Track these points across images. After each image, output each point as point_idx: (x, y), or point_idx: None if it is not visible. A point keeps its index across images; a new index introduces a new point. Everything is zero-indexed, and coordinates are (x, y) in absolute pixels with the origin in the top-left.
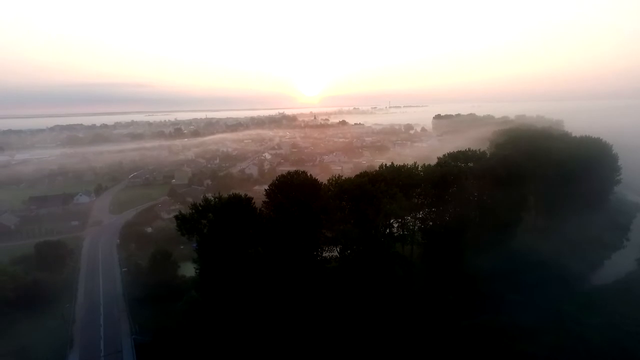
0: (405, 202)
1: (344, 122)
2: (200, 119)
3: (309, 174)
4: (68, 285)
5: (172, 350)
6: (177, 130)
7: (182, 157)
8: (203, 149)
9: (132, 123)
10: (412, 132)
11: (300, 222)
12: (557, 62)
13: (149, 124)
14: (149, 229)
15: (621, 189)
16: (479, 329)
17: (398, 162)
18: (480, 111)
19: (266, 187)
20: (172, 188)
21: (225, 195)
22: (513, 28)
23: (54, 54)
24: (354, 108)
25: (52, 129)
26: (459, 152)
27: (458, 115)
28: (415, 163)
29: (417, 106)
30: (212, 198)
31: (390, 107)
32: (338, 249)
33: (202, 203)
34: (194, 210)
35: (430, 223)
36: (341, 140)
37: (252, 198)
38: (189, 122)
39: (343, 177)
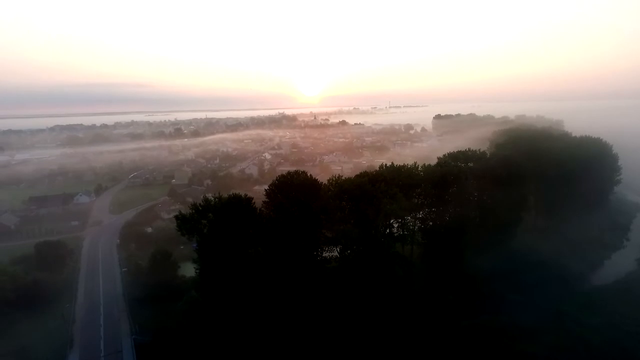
0: (405, 202)
1: (344, 122)
2: (200, 119)
3: (309, 174)
4: (68, 285)
5: (172, 350)
6: (177, 130)
7: (182, 157)
8: (203, 149)
9: (132, 123)
10: (412, 132)
11: (300, 222)
12: (557, 62)
13: (149, 124)
14: (149, 229)
15: (621, 189)
16: (479, 329)
17: (398, 162)
18: (480, 111)
19: (266, 187)
20: (172, 188)
21: (225, 195)
22: (513, 28)
23: (54, 54)
24: (354, 108)
25: (52, 129)
26: (459, 152)
27: (458, 115)
28: (415, 163)
29: (417, 106)
30: (212, 198)
31: (390, 107)
32: (338, 249)
33: (202, 203)
34: (194, 210)
35: (430, 223)
36: (341, 140)
37: (252, 198)
38: (189, 122)
39: (343, 177)
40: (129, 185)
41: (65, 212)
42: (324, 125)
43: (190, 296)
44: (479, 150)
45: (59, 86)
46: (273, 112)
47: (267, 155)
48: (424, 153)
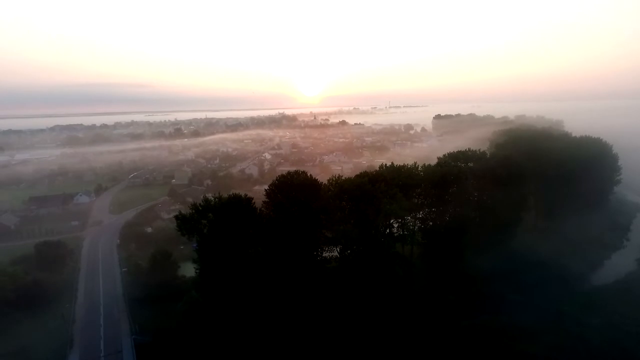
0: (405, 202)
1: (343, 122)
2: (200, 119)
3: (309, 174)
4: (68, 285)
5: (172, 351)
6: (177, 130)
7: (182, 157)
8: (203, 149)
9: (132, 123)
10: (412, 132)
11: (300, 222)
12: (557, 62)
13: (149, 124)
14: (149, 229)
15: (621, 189)
16: (479, 329)
17: (398, 162)
18: (480, 111)
19: (266, 187)
20: (172, 188)
21: (225, 195)
22: (513, 28)
23: (54, 54)
24: (354, 108)
25: (52, 129)
26: (459, 152)
27: (458, 115)
28: (415, 163)
29: (417, 106)
30: (212, 198)
31: (390, 107)
32: (338, 249)
33: (202, 203)
34: (194, 210)
35: (430, 223)
36: (341, 140)
37: (252, 198)
38: (189, 122)
39: (343, 177)
40: (129, 185)
41: (65, 212)
42: (324, 125)
43: (190, 296)
44: (479, 150)
45: (59, 86)
46: (273, 112)
47: (267, 155)
48: (424, 153)
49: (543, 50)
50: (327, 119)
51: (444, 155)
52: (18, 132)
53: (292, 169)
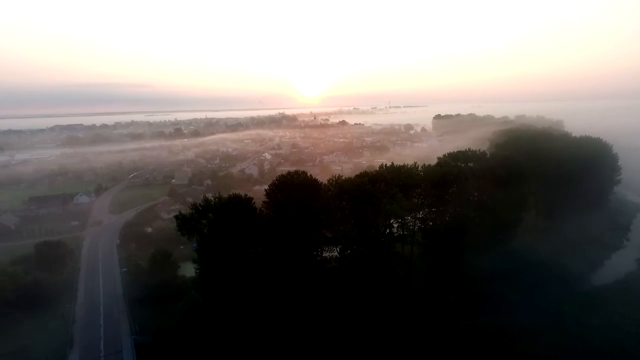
0: (405, 202)
1: (343, 122)
2: (200, 119)
3: (309, 174)
4: (68, 285)
5: (172, 351)
6: (177, 130)
7: (182, 157)
8: (203, 149)
9: (132, 123)
10: (412, 132)
11: (300, 222)
12: (557, 62)
13: (149, 124)
14: (149, 229)
15: (621, 189)
16: (479, 329)
17: (398, 162)
18: (480, 111)
19: (266, 187)
20: (172, 188)
21: (225, 195)
22: (513, 28)
23: (54, 54)
24: (354, 108)
25: (52, 129)
26: (459, 152)
27: (458, 115)
28: (415, 163)
29: (417, 106)
30: (212, 198)
31: (390, 107)
32: (338, 249)
33: (202, 203)
34: (194, 210)
35: (430, 223)
36: (341, 140)
37: (252, 198)
38: (189, 122)
39: (343, 177)
40: (129, 185)
41: (65, 212)
42: (324, 125)
43: (190, 296)
44: (479, 150)
45: (59, 86)
46: (273, 112)
47: (267, 155)
48: (424, 153)
49: (543, 50)
50: (327, 119)
51: (444, 155)
52: (18, 132)
53: (292, 169)
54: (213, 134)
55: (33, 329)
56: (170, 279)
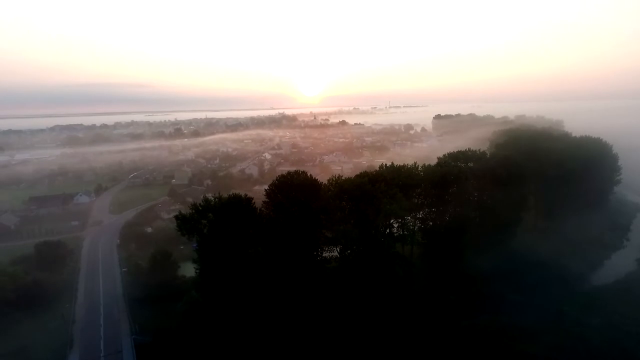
0: (405, 202)
1: (343, 122)
2: (200, 119)
3: (309, 174)
4: (68, 285)
5: (172, 351)
6: (177, 130)
7: (182, 157)
8: (203, 149)
9: (132, 123)
10: (412, 132)
11: (300, 222)
12: (557, 62)
13: (149, 124)
14: (149, 229)
15: (621, 189)
16: (479, 329)
17: (398, 162)
18: (480, 111)
19: (266, 187)
20: (172, 188)
21: (225, 195)
22: (513, 28)
23: (54, 54)
24: (354, 108)
25: (52, 129)
26: (459, 152)
27: (458, 115)
28: (415, 163)
29: (417, 106)
30: (212, 198)
31: (390, 107)
32: (338, 249)
33: (202, 203)
34: (194, 210)
35: (430, 223)
36: (341, 140)
37: (252, 198)
38: (189, 122)
39: (343, 177)
40: (129, 185)
41: (65, 212)
42: (324, 125)
43: (190, 296)
44: (479, 150)
45: (59, 86)
46: (273, 112)
47: (267, 155)
48: (424, 153)
49: (543, 50)
50: (327, 119)
51: (444, 155)
52: (18, 132)
53: (292, 169)
54: (213, 134)
55: (33, 329)
56: (170, 279)
